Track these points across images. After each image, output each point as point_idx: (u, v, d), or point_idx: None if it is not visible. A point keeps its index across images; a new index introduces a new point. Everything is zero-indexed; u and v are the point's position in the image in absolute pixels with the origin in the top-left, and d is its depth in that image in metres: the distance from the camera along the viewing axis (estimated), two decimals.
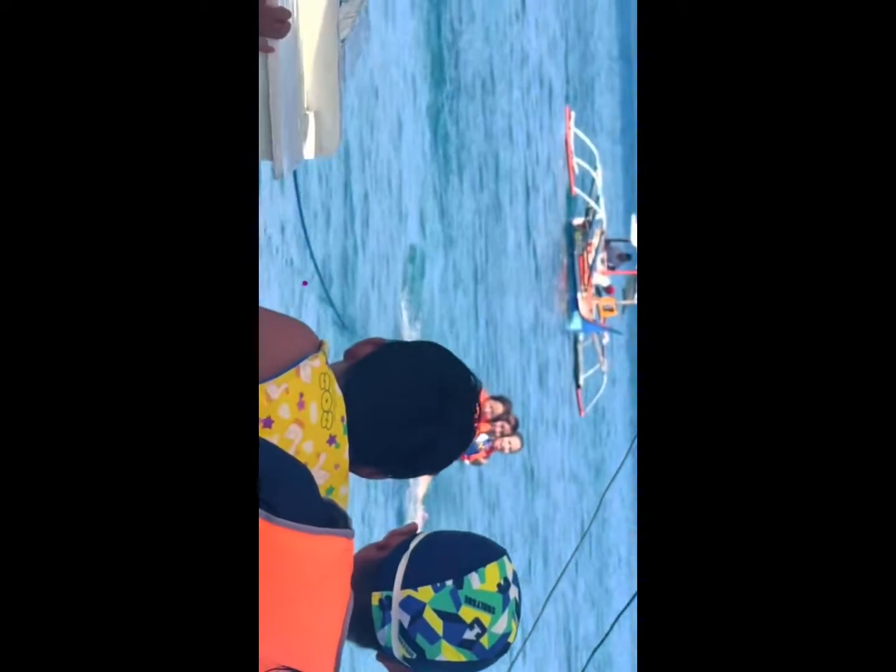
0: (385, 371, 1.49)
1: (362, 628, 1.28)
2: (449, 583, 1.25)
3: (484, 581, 1.26)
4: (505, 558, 1.31)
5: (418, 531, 1.37)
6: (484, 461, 7.95)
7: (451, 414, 1.47)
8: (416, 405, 1.46)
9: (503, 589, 1.27)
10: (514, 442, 7.39)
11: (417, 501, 7.86)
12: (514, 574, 1.32)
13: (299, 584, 1.19)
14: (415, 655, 1.26)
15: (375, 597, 1.28)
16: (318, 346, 1.45)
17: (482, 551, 1.32)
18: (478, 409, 1.53)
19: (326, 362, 1.44)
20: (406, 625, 1.25)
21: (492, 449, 7.50)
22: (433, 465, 1.58)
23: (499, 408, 7.40)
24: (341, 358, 1.54)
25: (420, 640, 1.25)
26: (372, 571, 1.30)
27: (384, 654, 1.31)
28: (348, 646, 1.28)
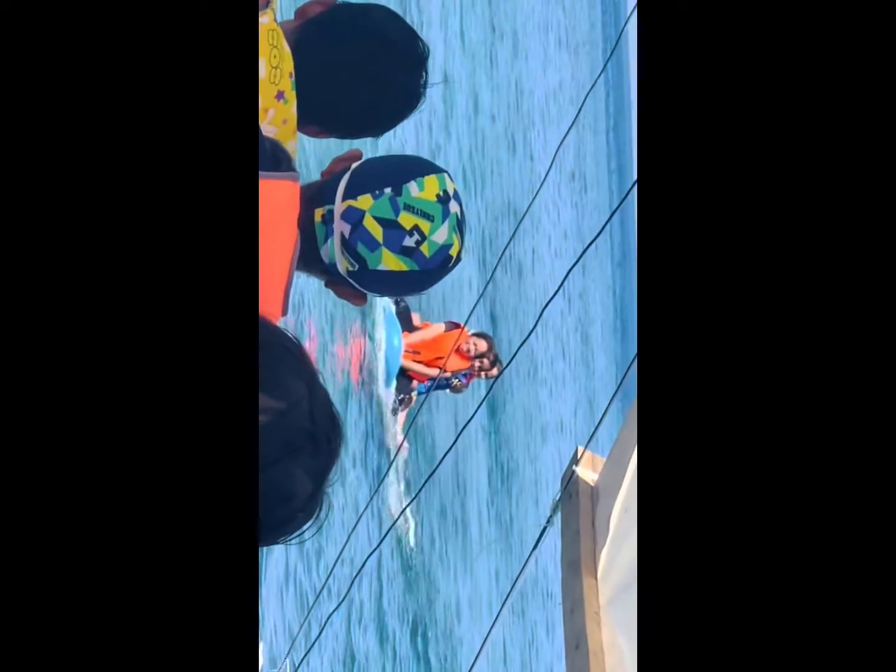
0: (334, 31, 1.48)
1: (307, 252, 1.25)
2: (388, 190, 1.23)
3: (422, 189, 1.24)
4: (446, 175, 1.29)
5: (362, 157, 1.34)
6: (464, 390, 7.66)
7: (397, 77, 1.47)
8: (362, 66, 1.45)
9: (442, 200, 1.26)
10: (492, 372, 7.22)
11: (398, 427, 7.42)
12: (456, 192, 1.30)
13: None
14: (357, 266, 1.24)
15: (318, 213, 1.26)
16: (267, 3, 1.41)
17: (423, 166, 1.31)
18: (424, 75, 1.51)
19: (275, 19, 1.41)
20: (347, 235, 1.23)
21: (470, 377, 7.31)
22: (377, 127, 1.58)
23: (482, 345, 7.27)
24: (292, 17, 1.52)
25: (361, 248, 1.23)
26: (314, 193, 1.28)
27: (331, 277, 1.30)
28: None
